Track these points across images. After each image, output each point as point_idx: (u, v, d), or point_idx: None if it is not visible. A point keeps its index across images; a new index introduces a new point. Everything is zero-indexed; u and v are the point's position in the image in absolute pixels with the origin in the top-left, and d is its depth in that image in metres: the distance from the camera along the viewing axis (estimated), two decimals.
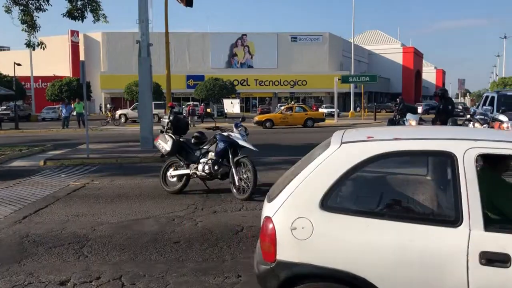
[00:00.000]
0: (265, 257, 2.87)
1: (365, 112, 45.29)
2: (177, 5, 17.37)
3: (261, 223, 2.98)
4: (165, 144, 8.06)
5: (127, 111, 39.92)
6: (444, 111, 12.28)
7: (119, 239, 5.47)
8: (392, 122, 12.77)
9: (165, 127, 8.34)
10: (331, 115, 40.64)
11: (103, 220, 6.36)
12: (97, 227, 5.99)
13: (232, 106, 39.67)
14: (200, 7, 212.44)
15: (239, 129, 7.85)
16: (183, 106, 44.06)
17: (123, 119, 36.68)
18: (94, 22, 16.48)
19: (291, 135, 22.55)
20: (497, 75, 76.21)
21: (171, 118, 8.34)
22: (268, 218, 2.86)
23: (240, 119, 8.39)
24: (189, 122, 30.40)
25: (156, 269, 4.47)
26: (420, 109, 13.99)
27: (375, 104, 51.98)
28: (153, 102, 17.15)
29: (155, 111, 26.56)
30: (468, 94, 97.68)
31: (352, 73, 45.83)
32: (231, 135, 7.70)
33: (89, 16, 15.94)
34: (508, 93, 13.80)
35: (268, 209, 2.94)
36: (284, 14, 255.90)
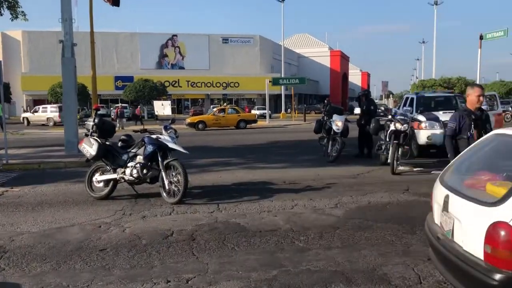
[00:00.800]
0: (501, 265, 2.72)
1: (295, 113, 46.37)
2: (104, 4, 16.77)
3: (487, 229, 2.79)
4: (90, 148, 7.74)
5: (28, 114, 38.22)
6: (367, 111, 12.87)
7: (41, 249, 5.18)
8: (320, 123, 13.14)
9: (90, 130, 8.02)
10: (263, 116, 41.18)
11: (23, 229, 5.99)
12: (16, 237, 5.63)
13: (163, 108, 38.96)
14: (128, 7, 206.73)
15: (168, 131, 7.73)
16: (111, 108, 42.65)
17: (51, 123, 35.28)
18: (12, 20, 15.51)
19: (224, 136, 22.56)
20: (417, 78, 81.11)
21: (96, 120, 8.03)
22: (504, 224, 2.70)
23: (170, 121, 8.26)
24: (117, 124, 29.50)
25: (81, 279, 4.28)
26: (358, 110, 14.54)
27: (305, 105, 53.45)
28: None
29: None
30: (391, 95, 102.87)
31: (282, 76, 46.71)
32: (160, 138, 7.55)
33: (6, 13, 14.98)
34: (426, 95, 14.70)
35: (500, 214, 2.77)
36: (215, 16, 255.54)
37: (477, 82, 30.58)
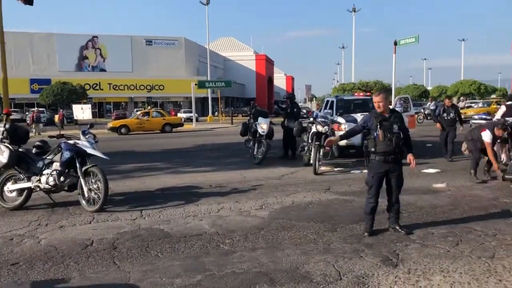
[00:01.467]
0: None
1: (222, 116, 46.43)
2: (16, 2, 15.71)
3: None
4: (0, 155, 7.22)
5: None
6: (292, 114, 13.20)
7: None
8: (245, 126, 13.27)
9: (1, 137, 7.47)
10: (189, 120, 40.77)
11: None
12: None
13: (82, 112, 37.26)
14: (43, 5, 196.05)
15: (87, 136, 7.40)
16: (27, 113, 40.17)
17: None
18: None
19: (148, 141, 22.04)
20: (338, 82, 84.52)
21: (7, 126, 7.50)
22: None
23: (88, 126, 7.91)
24: (33, 130, 27.79)
25: None
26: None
27: (232, 108, 53.65)
28: None
29: None
30: (314, 98, 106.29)
31: (208, 78, 46.58)
32: (78, 143, 7.21)
33: None
34: (345, 98, 15.35)
35: None
36: (138, 17, 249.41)
37: (393, 86, 32.43)
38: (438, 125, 12.87)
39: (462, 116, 13.85)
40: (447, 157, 11.93)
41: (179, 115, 43.93)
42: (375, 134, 5.38)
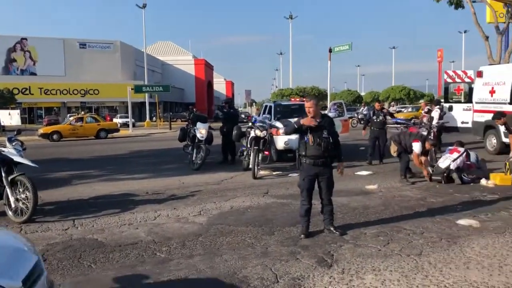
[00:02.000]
0: None
1: (161, 121, 45.62)
2: None
3: None
4: None
5: None
6: (230, 119, 13.23)
7: None
8: (184, 131, 13.14)
9: None
10: (126, 125, 39.68)
11: None
12: None
13: (10, 117, 35.17)
14: None
15: (13, 143, 7.00)
16: None
17: None
18: None
19: (82, 147, 21.20)
20: (276, 87, 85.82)
21: None
22: None
23: (15, 132, 7.50)
24: None
25: None
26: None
27: (171, 113, 52.85)
28: None
29: None
30: (254, 103, 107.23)
31: (146, 83, 45.62)
32: (3, 151, 6.80)
33: None
34: (283, 103, 15.63)
35: None
36: (70, 20, 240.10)
37: (328, 91, 33.39)
38: (363, 132, 13.40)
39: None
40: (378, 161, 12.15)
41: (115, 120, 42.63)
42: (306, 139, 5.54)
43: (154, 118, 49.17)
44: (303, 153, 5.58)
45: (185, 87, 78.71)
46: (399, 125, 15.59)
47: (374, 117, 12.51)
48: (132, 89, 37.57)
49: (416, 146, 9.36)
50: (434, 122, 13.41)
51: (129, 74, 60.92)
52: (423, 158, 9.50)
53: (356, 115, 36.34)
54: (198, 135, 11.97)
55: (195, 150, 12.19)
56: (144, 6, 45.72)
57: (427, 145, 9.48)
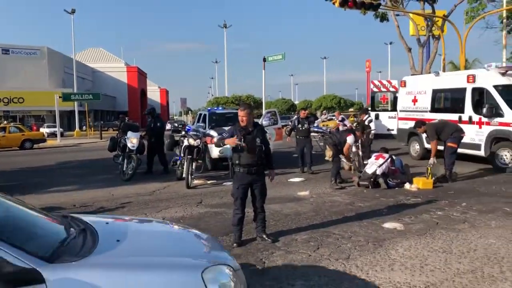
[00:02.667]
0: None
1: (91, 130, 43.96)
2: None
3: None
4: None
5: None
6: (155, 128, 12.92)
7: None
8: (114, 140, 12.72)
9: None
10: (54, 135, 37.81)
11: None
12: None
13: None
14: None
15: None
16: None
17: None
18: None
19: (4, 159, 19.90)
20: (212, 95, 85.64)
21: None
22: None
23: None
24: None
25: None
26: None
27: (102, 122, 51.11)
28: None
29: None
30: (190, 111, 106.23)
31: (75, 91, 43.79)
32: None
33: None
34: (217, 111, 15.59)
35: None
36: None
37: (263, 100, 33.81)
38: (288, 138, 13.59)
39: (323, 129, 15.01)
40: (307, 169, 12.05)
41: (41, 130, 40.53)
42: (239, 147, 5.55)
43: (84, 127, 47.26)
44: (237, 161, 5.60)
45: (117, 95, 76.56)
46: (316, 133, 15.98)
47: (299, 126, 12.41)
48: (60, 97, 35.93)
49: (350, 138, 10.02)
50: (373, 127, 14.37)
51: (57, 82, 58.18)
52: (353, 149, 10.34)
53: (290, 123, 37.06)
54: (129, 145, 11.64)
55: (125, 160, 11.82)
56: (73, 11, 43.99)
57: (358, 134, 10.33)
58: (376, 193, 9.04)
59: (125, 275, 2.50)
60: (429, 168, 9.88)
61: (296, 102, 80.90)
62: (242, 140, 5.52)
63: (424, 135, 11.88)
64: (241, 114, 5.62)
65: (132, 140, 11.64)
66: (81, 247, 2.68)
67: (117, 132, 13.19)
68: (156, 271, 2.57)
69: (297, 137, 12.55)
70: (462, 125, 12.02)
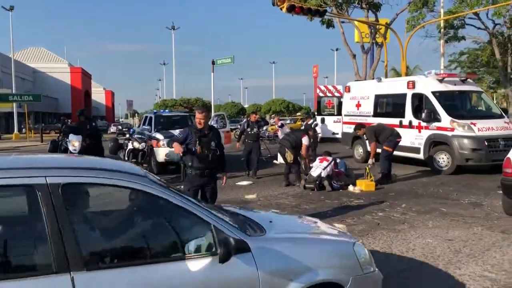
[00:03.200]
0: None
1: (31, 133, 42.02)
2: None
3: None
4: None
5: None
6: (91, 129, 12.47)
7: None
8: (55, 144, 12.19)
9: None
10: None
11: None
12: None
13: None
14: None
15: None
16: None
17: None
18: None
19: None
20: (160, 98, 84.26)
21: None
22: None
23: None
24: None
25: None
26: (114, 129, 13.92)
27: (43, 125, 49.01)
28: None
29: None
30: (136, 114, 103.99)
31: (14, 91, 41.70)
32: None
33: None
34: (164, 114, 15.32)
35: None
36: None
37: (212, 103, 33.73)
38: (237, 145, 13.36)
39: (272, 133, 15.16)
40: (252, 174, 11.91)
41: None
42: (193, 149, 5.49)
43: (23, 129, 45.06)
44: (190, 164, 5.53)
45: (60, 96, 73.69)
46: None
47: (249, 129, 12.36)
48: None
49: (305, 139, 10.31)
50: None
51: None
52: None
53: (239, 126, 37.10)
54: (70, 148, 11.17)
55: None
56: (11, 8, 41.94)
57: (310, 133, 10.79)
58: (321, 195, 9.21)
59: (298, 245, 3.21)
60: (367, 168, 10.22)
61: (246, 106, 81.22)
62: (197, 142, 5.47)
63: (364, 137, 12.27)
64: (199, 117, 5.58)
65: (74, 143, 11.17)
66: (255, 228, 3.24)
67: (59, 134, 12.66)
68: (319, 243, 3.43)
69: (246, 140, 12.49)
70: (402, 129, 12.55)
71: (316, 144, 14.13)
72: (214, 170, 5.73)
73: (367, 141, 11.16)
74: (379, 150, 10.82)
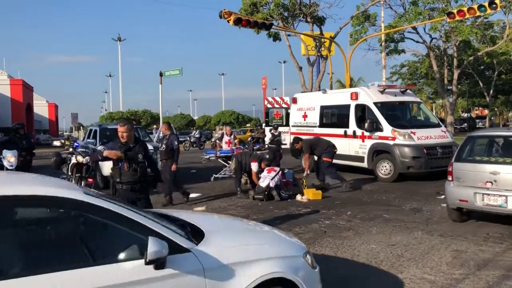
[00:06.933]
0: None
1: None
2: None
3: None
4: None
5: None
6: (27, 144, 12.05)
7: None
8: None
9: None
10: None
11: None
12: None
13: None
14: None
15: None
16: None
17: None
18: None
19: None
20: (106, 110, 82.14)
21: None
22: None
23: None
24: None
25: None
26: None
27: None
28: None
29: None
30: (81, 127, 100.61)
31: None
32: None
33: None
34: (109, 127, 14.91)
35: None
36: None
37: (160, 115, 33.12)
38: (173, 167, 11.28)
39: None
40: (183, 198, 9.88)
41: None
42: (120, 164, 5.32)
43: None
44: (118, 179, 5.34)
45: (0, 110, 70.08)
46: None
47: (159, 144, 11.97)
48: None
49: (254, 166, 10.26)
50: (267, 142, 14.56)
51: None
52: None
53: (188, 138, 36.75)
54: (6, 164, 10.63)
55: None
56: None
57: (263, 165, 10.36)
58: (270, 205, 9.29)
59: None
60: (304, 179, 10.57)
61: (195, 117, 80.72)
62: (124, 157, 5.31)
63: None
64: (121, 130, 5.39)
65: (9, 158, 10.63)
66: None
67: None
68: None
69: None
70: (347, 139, 12.93)
71: (280, 156, 14.10)
72: (145, 183, 5.53)
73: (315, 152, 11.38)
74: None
